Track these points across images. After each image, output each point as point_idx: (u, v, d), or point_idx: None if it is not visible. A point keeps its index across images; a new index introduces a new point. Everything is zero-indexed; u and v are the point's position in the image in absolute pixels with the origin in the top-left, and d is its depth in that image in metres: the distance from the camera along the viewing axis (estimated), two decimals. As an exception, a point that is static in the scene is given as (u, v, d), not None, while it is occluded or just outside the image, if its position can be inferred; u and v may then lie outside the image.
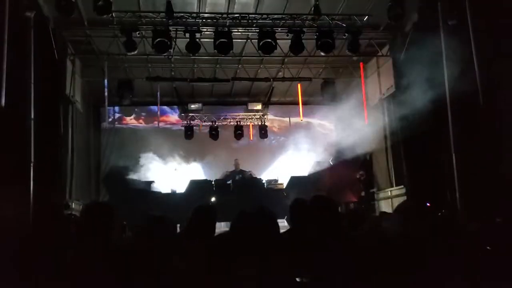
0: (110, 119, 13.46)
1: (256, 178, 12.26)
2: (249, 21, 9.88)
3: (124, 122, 14.41)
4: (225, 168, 13.05)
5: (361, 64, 12.10)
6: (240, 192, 10.99)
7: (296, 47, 9.86)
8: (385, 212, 8.36)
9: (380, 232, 3.34)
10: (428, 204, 8.17)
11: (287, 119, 14.97)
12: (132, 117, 14.38)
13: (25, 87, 8.00)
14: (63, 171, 9.70)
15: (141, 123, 14.53)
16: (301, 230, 3.33)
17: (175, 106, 14.52)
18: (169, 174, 12.74)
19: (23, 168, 7.64)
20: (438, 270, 2.74)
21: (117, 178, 11.38)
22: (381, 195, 11.60)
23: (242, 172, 12.58)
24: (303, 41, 9.83)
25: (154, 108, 14.01)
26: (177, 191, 11.48)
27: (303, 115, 13.66)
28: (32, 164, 7.83)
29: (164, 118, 14.46)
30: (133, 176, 11.64)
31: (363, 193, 11.49)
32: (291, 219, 3.60)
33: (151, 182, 11.62)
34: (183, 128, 14.17)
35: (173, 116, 14.71)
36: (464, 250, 2.97)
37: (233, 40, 9.70)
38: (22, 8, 7.69)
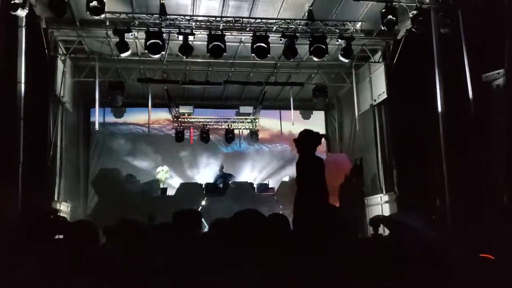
0: (100, 121, 13.28)
1: (247, 182, 12.23)
2: (243, 25, 9.87)
3: (115, 123, 14.24)
4: (215, 171, 13.03)
5: (353, 70, 12.15)
6: (230, 196, 10.96)
7: (289, 52, 9.86)
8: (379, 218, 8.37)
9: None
10: None
11: (278, 124, 14.90)
12: (122, 118, 14.21)
13: (15, 87, 7.90)
14: (52, 173, 9.58)
15: (131, 125, 14.38)
16: None
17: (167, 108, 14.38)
18: (159, 176, 12.63)
19: (11, 170, 7.51)
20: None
21: (106, 180, 11.24)
22: (371, 201, 11.61)
23: (228, 175, 12.70)
24: (296, 46, 9.83)
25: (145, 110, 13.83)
26: (168, 194, 11.41)
27: (294, 120, 13.68)
28: (20, 166, 7.72)
29: (155, 120, 14.33)
30: (122, 178, 11.51)
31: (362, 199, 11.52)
32: None
33: (141, 184, 11.51)
34: (174, 130, 14.07)
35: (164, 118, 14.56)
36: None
37: (226, 44, 9.67)
38: (13, 7, 7.58)
